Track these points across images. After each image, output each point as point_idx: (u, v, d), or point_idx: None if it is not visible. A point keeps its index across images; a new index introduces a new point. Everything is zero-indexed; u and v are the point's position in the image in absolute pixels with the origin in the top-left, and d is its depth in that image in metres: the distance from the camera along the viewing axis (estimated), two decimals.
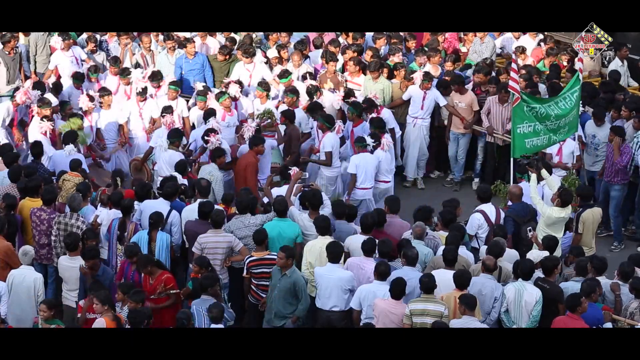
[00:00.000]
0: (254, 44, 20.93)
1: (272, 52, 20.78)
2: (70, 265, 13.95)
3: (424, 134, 19.42)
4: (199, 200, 15.04)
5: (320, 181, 17.47)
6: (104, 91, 18.55)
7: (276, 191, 15.78)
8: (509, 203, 15.81)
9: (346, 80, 19.91)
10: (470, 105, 19.23)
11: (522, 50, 20.97)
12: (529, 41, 21.59)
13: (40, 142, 16.92)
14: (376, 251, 13.96)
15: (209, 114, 17.87)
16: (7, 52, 20.35)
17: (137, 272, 13.68)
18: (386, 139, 17.53)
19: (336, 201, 15.45)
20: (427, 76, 19.26)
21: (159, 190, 15.41)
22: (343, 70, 20.50)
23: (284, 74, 19.48)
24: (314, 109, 18.21)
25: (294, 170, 16.03)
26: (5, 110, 18.52)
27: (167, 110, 18.18)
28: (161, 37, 20.93)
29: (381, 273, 13.35)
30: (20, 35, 20.95)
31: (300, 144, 18.13)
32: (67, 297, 14.15)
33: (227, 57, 20.52)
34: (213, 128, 17.33)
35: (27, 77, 20.69)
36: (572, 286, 13.43)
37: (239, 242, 14.37)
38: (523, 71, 19.38)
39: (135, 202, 15.12)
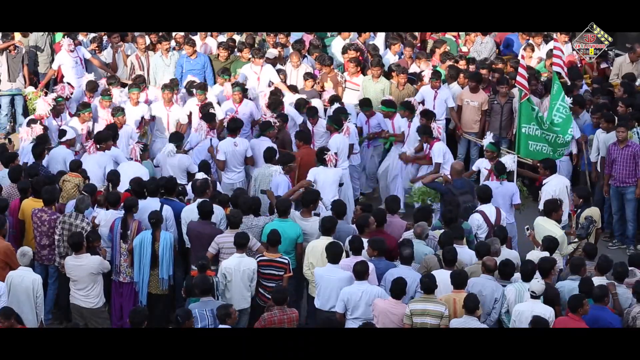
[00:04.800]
0: (256, 45, 21.00)
1: (272, 53, 20.82)
2: (77, 265, 13.96)
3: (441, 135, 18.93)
4: (198, 201, 15.07)
5: None
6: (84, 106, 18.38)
7: (315, 171, 16.24)
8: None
9: (345, 80, 19.94)
10: (481, 105, 19.21)
11: (531, 48, 20.96)
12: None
13: (40, 143, 16.92)
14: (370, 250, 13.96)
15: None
16: (8, 51, 20.40)
17: None
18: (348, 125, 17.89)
19: (336, 201, 15.45)
20: (435, 74, 19.24)
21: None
22: (343, 70, 20.55)
23: (391, 105, 18.79)
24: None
25: (329, 155, 16.33)
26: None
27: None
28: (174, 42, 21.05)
29: (356, 272, 13.29)
30: (18, 35, 20.95)
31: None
32: (76, 296, 14.16)
33: (228, 55, 20.57)
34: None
35: (32, 77, 20.80)
36: (568, 285, 13.45)
37: (256, 241, 14.33)
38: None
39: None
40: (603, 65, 20.90)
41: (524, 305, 12.92)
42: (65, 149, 17.00)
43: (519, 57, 20.60)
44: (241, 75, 19.72)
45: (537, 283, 12.94)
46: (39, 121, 17.77)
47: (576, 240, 14.82)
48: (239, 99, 18.73)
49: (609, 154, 17.38)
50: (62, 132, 17.28)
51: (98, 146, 16.79)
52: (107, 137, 16.99)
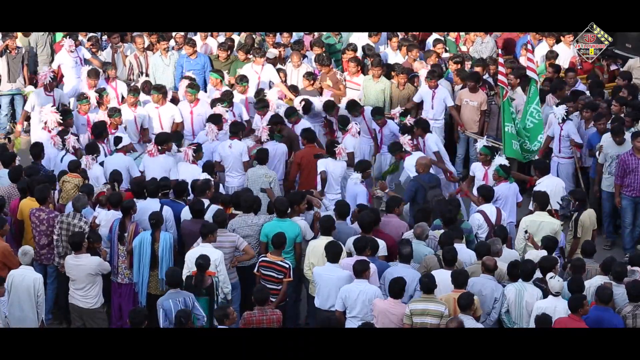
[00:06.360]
0: (256, 44, 21.00)
1: (273, 53, 20.82)
2: (76, 264, 13.98)
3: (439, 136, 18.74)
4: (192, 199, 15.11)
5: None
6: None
7: (324, 162, 16.61)
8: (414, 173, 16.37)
9: (345, 80, 19.95)
10: (480, 105, 19.18)
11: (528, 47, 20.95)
12: (564, 49, 21.19)
13: (40, 142, 16.83)
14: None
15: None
16: (8, 51, 20.40)
17: None
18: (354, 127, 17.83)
19: (339, 201, 15.45)
20: (431, 74, 19.25)
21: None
22: (343, 70, 20.56)
23: (405, 113, 18.61)
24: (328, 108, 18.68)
25: (339, 147, 16.58)
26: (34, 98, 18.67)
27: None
28: (173, 42, 21.02)
29: (356, 271, 13.29)
30: (19, 35, 20.96)
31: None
32: (74, 295, 14.19)
33: (228, 56, 20.57)
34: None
35: (32, 77, 20.80)
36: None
37: (243, 240, 14.36)
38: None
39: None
40: (613, 67, 20.82)
41: (545, 302, 13.00)
42: (124, 156, 16.74)
43: (521, 55, 20.62)
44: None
45: (556, 282, 13.03)
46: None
47: (562, 223, 15.03)
48: (192, 100, 18.65)
49: (624, 163, 16.79)
50: (118, 139, 16.94)
51: (159, 148, 16.68)
52: (168, 139, 16.90)
